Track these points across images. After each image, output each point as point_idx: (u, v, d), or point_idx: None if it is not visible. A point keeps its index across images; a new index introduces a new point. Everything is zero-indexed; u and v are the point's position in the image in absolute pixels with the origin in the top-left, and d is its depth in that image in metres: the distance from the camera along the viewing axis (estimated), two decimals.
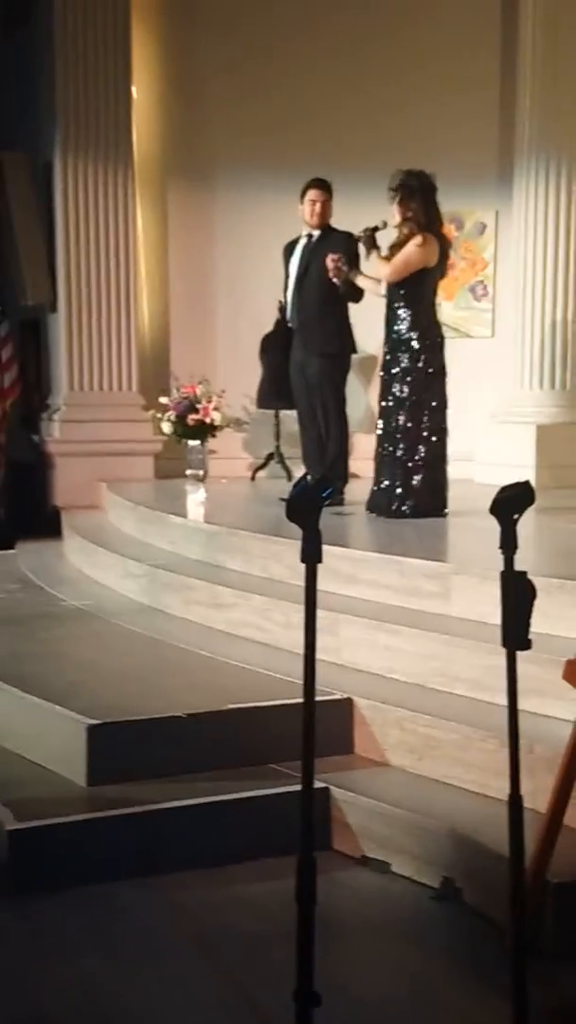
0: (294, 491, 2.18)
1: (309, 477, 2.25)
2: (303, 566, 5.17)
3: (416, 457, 6.34)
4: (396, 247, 6.37)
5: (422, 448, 6.34)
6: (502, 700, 3.93)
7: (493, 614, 4.37)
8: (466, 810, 3.61)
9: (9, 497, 8.72)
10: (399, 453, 6.38)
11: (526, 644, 2.42)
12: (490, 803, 3.59)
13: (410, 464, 6.34)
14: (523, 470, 7.50)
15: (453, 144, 8.61)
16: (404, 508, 6.35)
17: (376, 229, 6.37)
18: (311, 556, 2.16)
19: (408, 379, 6.34)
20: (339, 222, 7.04)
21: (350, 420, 7.24)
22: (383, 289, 6.46)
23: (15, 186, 8.86)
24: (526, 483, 2.46)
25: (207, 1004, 2.84)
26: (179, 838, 3.64)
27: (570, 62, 8.17)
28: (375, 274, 6.36)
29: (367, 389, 8.45)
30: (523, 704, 3.58)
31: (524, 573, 2.39)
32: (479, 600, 4.50)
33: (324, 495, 2.17)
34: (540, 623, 3.35)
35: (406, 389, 6.35)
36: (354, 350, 7.20)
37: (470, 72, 8.94)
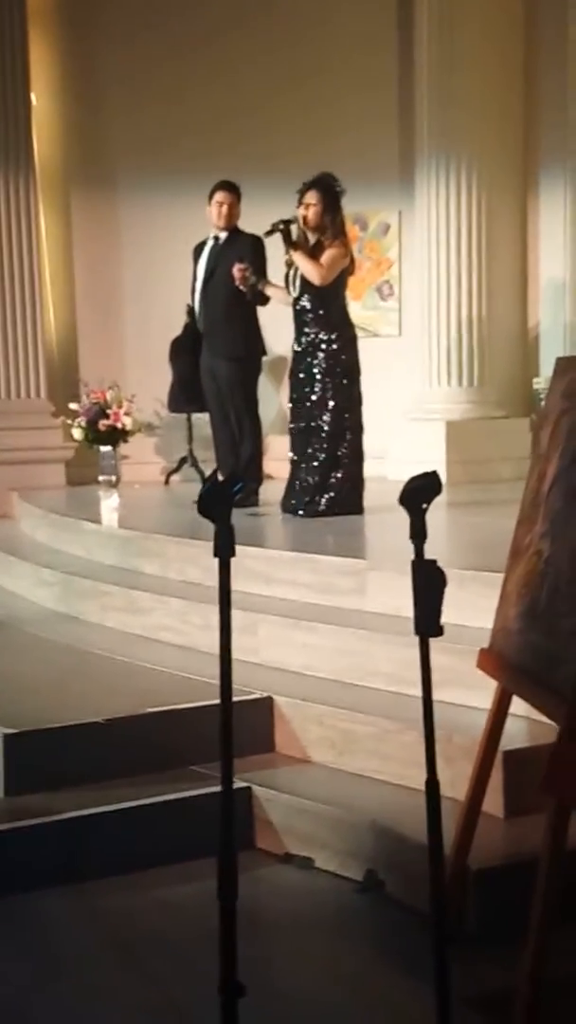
0: (205, 487, 2.19)
1: (219, 474, 2.26)
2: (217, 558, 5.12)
3: (333, 456, 6.37)
4: (300, 245, 6.40)
5: (339, 447, 6.38)
6: (419, 692, 3.99)
7: (408, 608, 4.39)
8: (387, 802, 3.62)
9: None
10: (315, 452, 6.40)
11: (438, 631, 2.45)
12: (410, 794, 3.61)
13: (327, 463, 6.37)
14: (434, 466, 7.57)
15: (355, 145, 8.68)
16: (321, 506, 6.37)
17: (289, 223, 6.40)
18: (224, 550, 2.16)
19: (323, 378, 6.37)
20: (243, 225, 7.05)
21: (262, 422, 7.25)
22: (291, 296, 6.49)
23: None
24: (433, 473, 2.49)
25: (131, 1008, 2.81)
26: (101, 844, 3.61)
27: (466, 60, 8.28)
28: (302, 267, 6.37)
29: (278, 390, 8.48)
30: (440, 695, 3.61)
31: (434, 561, 2.41)
32: (394, 594, 4.53)
33: (235, 490, 2.18)
34: (454, 614, 3.38)
35: (321, 388, 6.38)
36: (263, 352, 7.21)
37: (368, 73, 9.03)
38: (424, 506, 2.40)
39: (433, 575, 2.35)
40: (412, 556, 2.49)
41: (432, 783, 2.47)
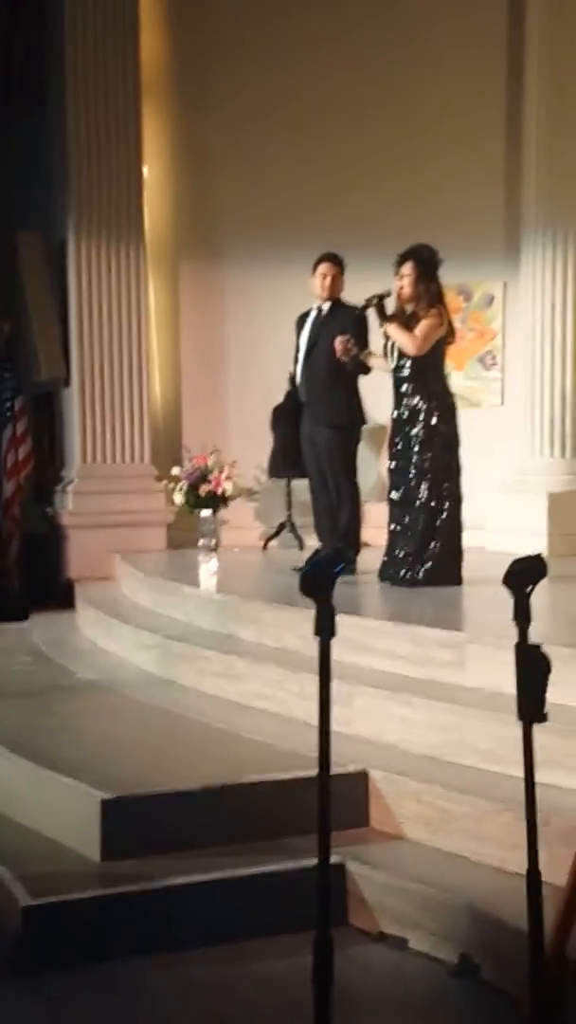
0: (307, 565, 2.20)
1: (321, 550, 2.29)
2: (317, 637, 5.14)
3: (431, 525, 6.36)
4: (396, 317, 6.47)
5: (437, 517, 6.37)
6: (517, 772, 3.91)
7: (508, 684, 4.35)
8: (483, 885, 3.57)
9: (23, 569, 8.74)
10: (413, 521, 6.40)
11: (541, 717, 2.42)
12: (507, 877, 3.56)
13: (425, 533, 6.36)
14: (535, 538, 7.53)
15: (460, 214, 8.71)
16: (419, 576, 6.35)
17: (384, 297, 6.48)
18: (325, 630, 2.17)
19: (422, 448, 6.39)
20: (347, 290, 7.12)
21: (361, 489, 7.27)
22: (392, 365, 6.54)
23: (29, 264, 9.01)
24: (538, 556, 2.48)
25: None
26: (195, 914, 3.61)
27: None
28: (396, 339, 6.44)
29: (377, 458, 8.50)
30: (538, 775, 3.57)
31: (539, 646, 2.40)
32: (493, 670, 4.49)
33: (337, 570, 2.19)
34: (555, 693, 3.34)
35: (419, 458, 6.39)
36: (363, 421, 7.24)
37: (474, 137, 9.01)
38: (529, 588, 2.39)
39: (537, 660, 2.33)
40: (512, 631, 2.48)
41: (533, 874, 2.43)
